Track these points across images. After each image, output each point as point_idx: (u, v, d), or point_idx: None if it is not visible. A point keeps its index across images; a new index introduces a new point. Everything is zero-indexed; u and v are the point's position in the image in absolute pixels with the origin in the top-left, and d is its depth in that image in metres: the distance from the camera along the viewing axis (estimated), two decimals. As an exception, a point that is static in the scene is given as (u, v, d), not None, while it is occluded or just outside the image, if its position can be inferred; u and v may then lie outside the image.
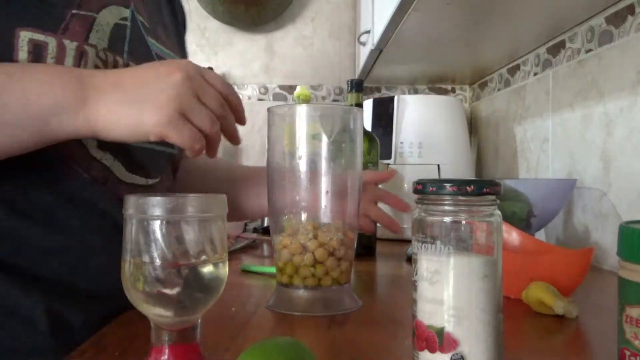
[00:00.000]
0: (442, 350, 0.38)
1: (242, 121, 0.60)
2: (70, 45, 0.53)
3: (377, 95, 1.75)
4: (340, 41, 1.78)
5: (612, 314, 0.37)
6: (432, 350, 0.38)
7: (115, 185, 0.59)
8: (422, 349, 0.39)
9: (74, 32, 0.53)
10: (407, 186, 1.25)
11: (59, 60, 0.52)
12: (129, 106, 0.48)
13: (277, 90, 1.77)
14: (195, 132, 0.50)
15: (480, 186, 0.39)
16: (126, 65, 0.60)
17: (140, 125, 0.48)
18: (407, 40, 1.18)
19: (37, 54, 0.50)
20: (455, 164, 1.31)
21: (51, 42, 0.51)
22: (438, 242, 0.39)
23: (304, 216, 0.61)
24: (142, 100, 0.48)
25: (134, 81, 0.49)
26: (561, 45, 1.10)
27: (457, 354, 0.37)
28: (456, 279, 0.38)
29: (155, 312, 0.41)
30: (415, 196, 0.42)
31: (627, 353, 0.34)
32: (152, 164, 0.65)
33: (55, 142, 0.49)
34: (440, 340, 0.38)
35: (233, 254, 1.03)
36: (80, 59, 0.53)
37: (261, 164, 1.75)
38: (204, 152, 0.54)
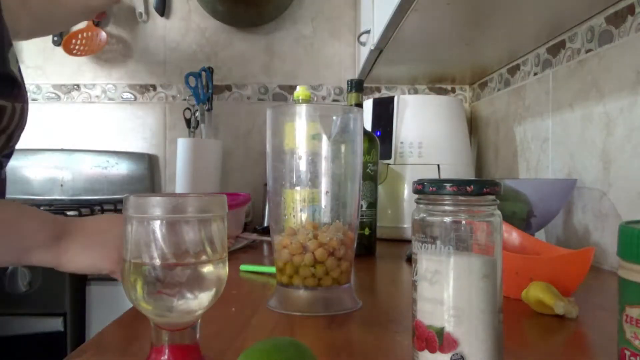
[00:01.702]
0: (442, 350, 0.38)
1: None
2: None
3: (377, 95, 1.75)
4: (340, 41, 1.78)
5: (612, 314, 0.37)
6: (432, 350, 0.38)
7: None
8: (422, 349, 0.39)
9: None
10: (407, 186, 1.26)
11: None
12: (91, 254, 0.62)
13: (277, 90, 1.77)
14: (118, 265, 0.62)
15: (480, 186, 0.39)
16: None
17: (96, 266, 0.62)
18: (407, 40, 1.18)
19: None
20: (455, 164, 1.31)
21: None
22: (438, 242, 0.39)
23: (304, 216, 0.61)
24: (102, 245, 0.62)
25: (94, 230, 0.64)
26: (561, 45, 1.10)
27: (457, 354, 0.37)
28: (456, 279, 0.38)
29: (155, 312, 0.41)
30: (415, 196, 0.42)
31: (627, 353, 0.34)
32: None
33: (22, 264, 0.62)
34: (440, 340, 0.38)
35: (233, 254, 1.03)
36: None
37: (261, 164, 1.75)
38: None
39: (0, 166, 0.74)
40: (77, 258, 0.62)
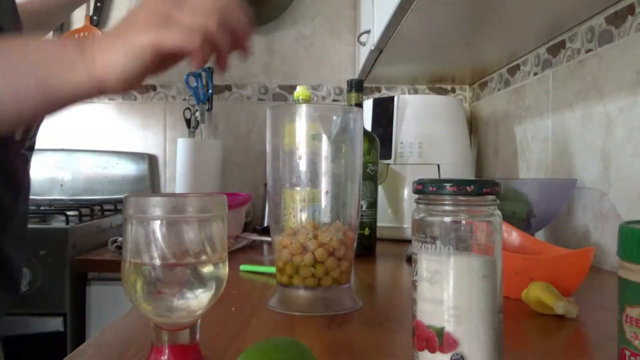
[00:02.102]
0: (442, 350, 0.38)
1: (243, 47, 0.53)
2: None
3: (377, 95, 1.75)
4: (340, 41, 1.78)
5: (612, 314, 0.37)
6: (432, 350, 0.38)
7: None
8: (422, 349, 0.39)
9: None
10: (407, 186, 1.25)
11: None
12: (118, 38, 0.48)
13: (277, 90, 1.77)
14: (185, 27, 0.47)
15: (480, 186, 0.39)
16: None
17: (132, 46, 0.47)
18: (407, 40, 1.18)
19: None
20: (455, 164, 1.31)
21: None
22: (438, 242, 0.39)
23: (304, 216, 0.61)
24: (127, 28, 0.48)
25: (122, 20, 0.50)
26: (561, 45, 1.10)
27: (457, 354, 0.37)
28: (456, 278, 0.38)
29: (155, 312, 0.41)
30: (415, 196, 0.42)
31: (627, 353, 0.34)
32: None
33: (62, 103, 0.49)
34: (440, 340, 0.38)
35: (233, 254, 1.03)
36: None
37: (261, 164, 1.75)
38: (215, 61, 0.51)
39: (26, 160, 0.71)
40: (109, 54, 0.47)
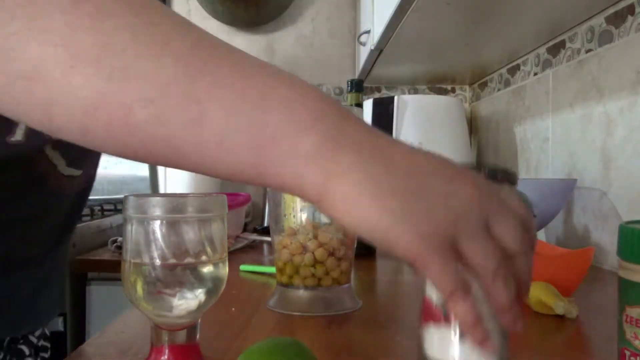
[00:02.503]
0: (447, 320, 0.37)
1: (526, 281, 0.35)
2: None
3: (377, 95, 1.75)
4: (340, 41, 1.78)
5: (612, 314, 0.37)
6: (438, 323, 0.38)
7: (56, 179, 0.59)
8: (427, 322, 0.39)
9: None
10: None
11: None
12: (389, 195, 0.30)
13: (277, 90, 1.77)
14: (463, 276, 0.32)
15: (493, 173, 0.37)
16: None
17: (390, 234, 0.31)
18: (407, 40, 1.18)
19: None
20: (455, 164, 1.31)
21: None
22: None
23: (304, 216, 0.61)
24: (412, 198, 0.31)
25: (409, 164, 0.32)
26: (561, 45, 1.10)
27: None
28: None
29: (155, 312, 0.41)
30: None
31: (627, 353, 0.34)
32: (88, 156, 0.63)
33: (256, 184, 0.32)
34: (445, 312, 0.37)
35: (233, 254, 1.03)
36: None
37: (261, 164, 1.75)
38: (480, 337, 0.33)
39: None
40: (360, 200, 0.30)
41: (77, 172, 0.61)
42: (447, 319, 0.37)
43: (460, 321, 0.34)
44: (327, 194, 0.30)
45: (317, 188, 0.30)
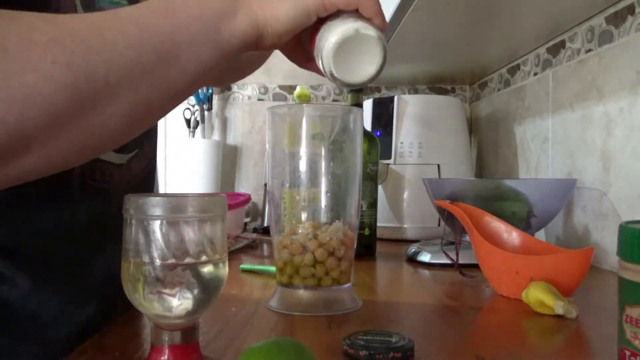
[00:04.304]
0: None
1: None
2: None
3: (377, 95, 1.75)
4: (340, 41, 1.79)
5: (612, 314, 0.37)
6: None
7: (108, 170, 0.57)
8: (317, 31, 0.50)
9: None
10: (407, 186, 1.25)
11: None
12: None
13: (277, 90, 1.77)
14: None
15: None
16: None
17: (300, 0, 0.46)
18: (407, 40, 1.18)
19: None
20: (455, 164, 1.31)
21: None
22: None
23: (304, 216, 0.61)
24: None
25: None
26: (561, 45, 1.10)
27: None
28: None
29: (155, 312, 0.41)
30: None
31: (627, 353, 0.34)
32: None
33: (229, 56, 0.46)
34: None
35: (233, 254, 1.03)
36: None
37: (261, 164, 1.75)
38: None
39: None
40: (280, 2, 0.46)
41: (116, 158, 0.58)
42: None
43: (369, 11, 0.48)
44: (258, 20, 0.45)
45: (252, 25, 0.45)
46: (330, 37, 0.47)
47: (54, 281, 0.54)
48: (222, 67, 0.46)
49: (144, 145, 0.63)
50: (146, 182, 0.65)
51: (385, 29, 0.50)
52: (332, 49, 0.47)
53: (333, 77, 0.49)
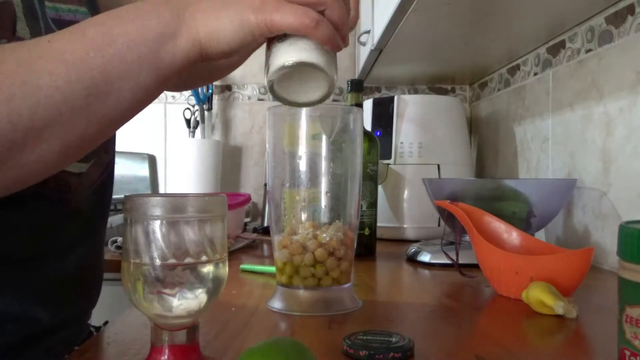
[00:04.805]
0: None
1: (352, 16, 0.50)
2: None
3: (377, 95, 1.75)
4: (340, 41, 1.79)
5: (612, 314, 0.37)
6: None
7: (65, 178, 0.56)
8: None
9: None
10: (407, 186, 1.25)
11: None
12: (224, 7, 0.45)
13: (277, 90, 1.77)
14: (298, 7, 0.44)
15: None
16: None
17: (242, 20, 0.44)
18: (407, 40, 1.18)
19: None
20: (455, 164, 1.31)
21: None
22: None
23: (304, 216, 0.61)
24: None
25: None
26: (561, 45, 1.10)
27: None
28: None
29: (155, 312, 0.41)
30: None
31: (627, 353, 0.34)
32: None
33: (173, 76, 0.46)
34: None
35: (233, 254, 1.03)
36: None
37: (261, 164, 1.75)
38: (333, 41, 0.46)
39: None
40: (215, 24, 0.44)
41: (75, 168, 0.57)
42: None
43: (321, 39, 0.45)
44: (200, 41, 0.44)
45: (193, 45, 0.44)
46: (274, 61, 0.46)
47: None
48: (172, 83, 0.46)
49: (101, 155, 0.63)
50: (104, 186, 0.66)
51: (343, 46, 0.48)
52: (275, 73, 0.46)
53: (276, 97, 0.49)
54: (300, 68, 0.46)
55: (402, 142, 1.29)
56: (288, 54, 0.45)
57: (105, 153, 0.64)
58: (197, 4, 0.45)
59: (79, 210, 0.60)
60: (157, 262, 0.40)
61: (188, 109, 1.71)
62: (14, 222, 0.52)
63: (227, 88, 1.78)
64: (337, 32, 0.46)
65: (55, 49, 0.41)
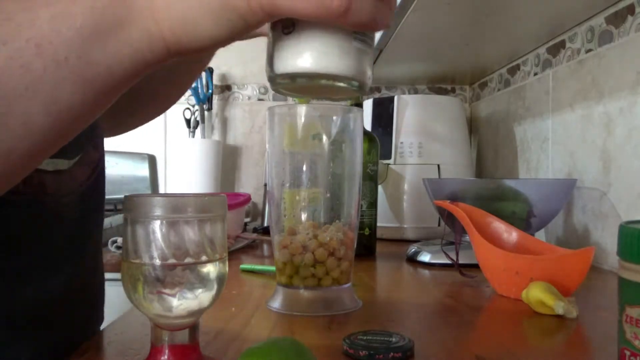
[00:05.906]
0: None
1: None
2: None
3: (377, 95, 1.75)
4: (340, 41, 1.78)
5: (612, 314, 0.37)
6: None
7: (39, 178, 0.46)
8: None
9: None
10: (407, 186, 1.25)
11: None
12: None
13: (277, 90, 1.77)
14: None
15: None
16: None
17: (228, 2, 0.32)
18: (407, 40, 1.18)
19: None
20: (455, 164, 1.31)
21: None
22: None
23: (304, 216, 0.61)
24: None
25: None
26: (561, 45, 1.10)
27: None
28: None
29: (155, 312, 0.41)
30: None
31: (627, 353, 0.34)
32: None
33: (114, 89, 0.34)
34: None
35: (233, 254, 1.03)
36: None
37: (261, 164, 1.75)
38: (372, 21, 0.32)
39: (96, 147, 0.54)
40: (182, 5, 0.32)
41: (64, 164, 0.48)
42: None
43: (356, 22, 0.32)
44: (164, 30, 0.32)
45: (155, 37, 0.33)
46: (279, 60, 0.36)
47: None
48: (124, 91, 0.35)
49: (89, 150, 0.54)
50: (94, 189, 0.57)
51: (387, 26, 0.34)
52: (281, 78, 0.36)
53: (282, 94, 0.39)
54: (317, 78, 0.35)
55: (402, 142, 1.29)
56: (299, 56, 0.34)
57: (93, 149, 0.55)
58: None
59: (61, 217, 0.50)
60: (157, 262, 0.40)
61: (188, 108, 1.71)
62: None
63: (227, 88, 1.78)
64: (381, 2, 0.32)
65: None
